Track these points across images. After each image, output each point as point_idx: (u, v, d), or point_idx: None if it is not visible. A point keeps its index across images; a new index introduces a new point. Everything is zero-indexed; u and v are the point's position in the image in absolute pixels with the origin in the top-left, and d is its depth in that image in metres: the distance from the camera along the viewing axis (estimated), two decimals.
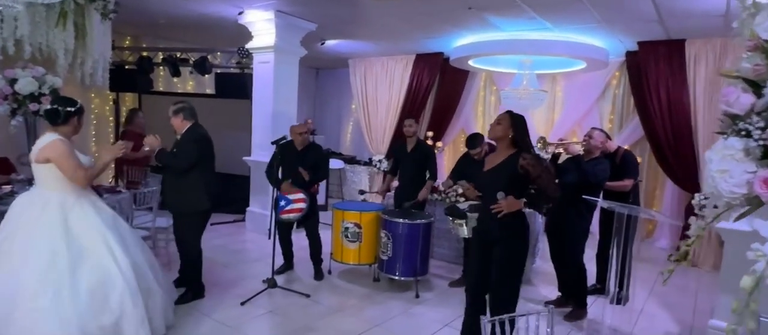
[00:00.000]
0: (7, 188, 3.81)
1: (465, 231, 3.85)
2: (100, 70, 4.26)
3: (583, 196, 3.45)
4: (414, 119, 4.69)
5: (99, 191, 4.02)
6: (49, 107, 2.83)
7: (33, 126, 3.79)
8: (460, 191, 4.88)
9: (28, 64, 3.67)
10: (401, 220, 4.05)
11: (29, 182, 3.93)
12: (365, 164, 8.70)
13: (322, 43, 6.79)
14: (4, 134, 4.74)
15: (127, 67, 6.81)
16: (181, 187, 3.57)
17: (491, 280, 2.71)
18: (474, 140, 4.22)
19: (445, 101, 7.79)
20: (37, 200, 2.69)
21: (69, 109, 2.82)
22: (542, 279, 4.74)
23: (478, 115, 7.99)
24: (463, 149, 8.24)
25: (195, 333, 3.20)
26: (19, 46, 3.50)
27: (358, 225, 4.26)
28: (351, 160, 8.98)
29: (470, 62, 6.60)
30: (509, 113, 2.75)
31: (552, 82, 7.15)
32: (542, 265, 5.06)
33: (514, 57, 6.06)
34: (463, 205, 3.98)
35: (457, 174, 4.40)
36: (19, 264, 2.53)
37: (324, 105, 10.12)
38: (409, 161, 4.56)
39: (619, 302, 3.56)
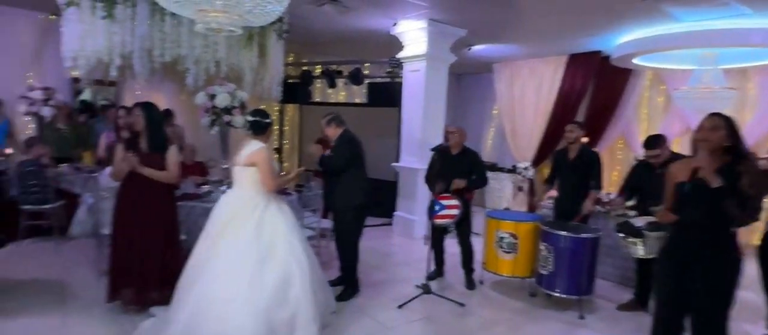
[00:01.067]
0: (205, 187, 4.45)
1: (640, 251, 3.43)
2: (275, 85, 4.78)
3: None
4: (576, 124, 4.31)
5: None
6: (251, 119, 3.17)
7: (225, 135, 4.38)
8: (629, 204, 4.39)
9: (223, 81, 4.26)
10: (564, 233, 3.76)
11: (221, 182, 4.56)
12: (508, 171, 8.38)
13: (469, 49, 6.72)
14: (204, 141, 5.60)
15: (289, 81, 7.56)
16: (338, 186, 3.85)
17: (695, 309, 2.37)
18: (655, 140, 3.71)
19: (602, 103, 7.12)
20: (238, 200, 3.03)
21: (267, 121, 3.21)
22: (743, 311, 3.98)
23: (641, 118, 7.15)
24: (620, 156, 7.57)
25: (361, 330, 3.34)
26: (218, 66, 4.09)
27: (514, 236, 4.08)
28: (492, 167, 8.72)
29: (635, 60, 5.92)
30: (724, 117, 2.36)
31: (742, 78, 6.06)
32: (741, 295, 4.27)
33: (692, 51, 5.28)
34: (637, 221, 3.54)
35: (630, 187, 3.95)
36: (224, 254, 2.86)
37: (465, 111, 10.02)
38: (570, 169, 4.22)
39: None
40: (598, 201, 4.54)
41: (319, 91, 8.24)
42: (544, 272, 3.89)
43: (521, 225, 4.08)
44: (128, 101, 6.34)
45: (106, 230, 3.62)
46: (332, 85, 7.32)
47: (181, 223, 3.94)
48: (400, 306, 3.81)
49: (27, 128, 5.91)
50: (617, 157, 7.60)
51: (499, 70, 8.13)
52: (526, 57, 7.47)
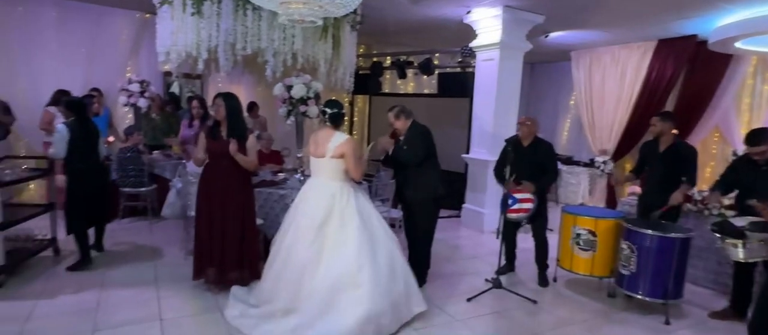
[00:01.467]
0: (281, 175, 4.65)
1: (740, 253, 3.10)
2: (347, 76, 4.86)
3: None
4: (660, 116, 3.94)
5: None
6: (331, 111, 3.23)
7: (301, 125, 4.53)
8: (726, 202, 4.01)
9: (299, 73, 4.40)
10: (650, 231, 3.50)
11: (295, 170, 4.74)
12: (585, 165, 7.95)
13: (546, 36, 6.42)
14: (279, 131, 5.86)
15: (360, 72, 7.66)
16: (417, 178, 3.77)
17: None
18: (759, 135, 3.31)
19: (695, 92, 6.51)
20: (328, 190, 3.10)
21: (343, 112, 3.29)
22: None
23: (742, 109, 6.46)
24: (715, 151, 6.89)
25: (430, 321, 3.33)
26: (294, 58, 4.23)
27: (592, 233, 3.87)
28: (568, 160, 8.33)
29: (737, 44, 5.33)
30: None
31: None
32: None
33: None
34: (738, 220, 3.22)
35: (725, 184, 3.59)
36: (337, 246, 2.95)
37: (538, 101, 9.64)
38: (659, 163, 3.89)
39: None
40: (689, 198, 4.19)
41: (388, 82, 8.28)
42: (625, 272, 3.66)
43: (601, 222, 3.86)
44: (212, 93, 6.76)
45: (193, 213, 3.90)
46: (402, 76, 7.32)
47: (259, 209, 4.16)
48: (469, 299, 3.76)
49: (126, 117, 6.50)
50: (711, 151, 6.93)
51: (577, 58, 7.69)
52: (608, 43, 7.00)
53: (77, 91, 5.75)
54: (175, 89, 6.95)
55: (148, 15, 6.37)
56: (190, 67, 4.39)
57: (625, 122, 6.98)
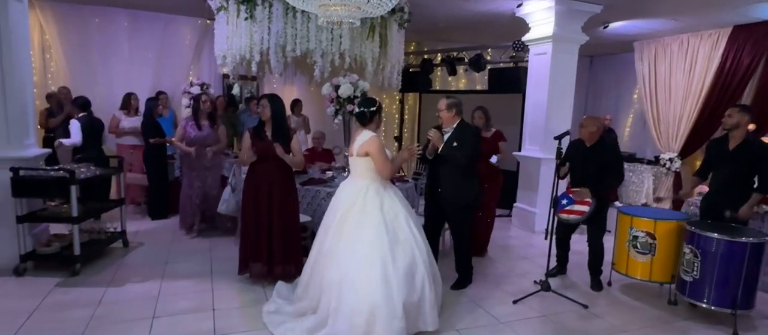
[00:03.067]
0: (329, 173, 4.76)
1: None
2: (395, 75, 4.88)
3: None
4: (738, 108, 3.61)
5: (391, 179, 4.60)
6: (358, 110, 3.23)
7: (348, 124, 4.61)
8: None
9: (346, 72, 4.48)
10: (717, 235, 3.24)
11: (343, 168, 4.83)
12: (649, 162, 7.47)
13: (606, 27, 6.10)
14: (329, 130, 5.99)
15: (411, 70, 7.65)
16: (458, 180, 3.64)
17: None
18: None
19: None
20: (356, 188, 3.11)
21: (371, 109, 3.20)
22: None
23: None
24: None
25: (473, 322, 3.29)
26: (342, 58, 4.31)
27: (651, 235, 3.64)
28: (630, 158, 7.86)
29: None
30: None
31: None
32: None
33: None
34: None
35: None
36: (352, 241, 2.93)
37: (598, 96, 9.19)
38: (728, 162, 3.58)
39: None
40: (765, 199, 3.82)
41: (439, 79, 8.22)
42: (687, 278, 3.41)
43: (660, 224, 3.62)
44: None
45: None
46: (452, 72, 7.24)
47: (307, 205, 4.28)
48: (515, 302, 3.66)
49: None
50: None
51: (640, 49, 7.24)
52: (675, 32, 6.53)
53: (145, 93, 6.18)
54: (235, 90, 7.30)
55: (209, 21, 6.73)
56: (245, 70, 4.59)
57: (695, 117, 6.49)
